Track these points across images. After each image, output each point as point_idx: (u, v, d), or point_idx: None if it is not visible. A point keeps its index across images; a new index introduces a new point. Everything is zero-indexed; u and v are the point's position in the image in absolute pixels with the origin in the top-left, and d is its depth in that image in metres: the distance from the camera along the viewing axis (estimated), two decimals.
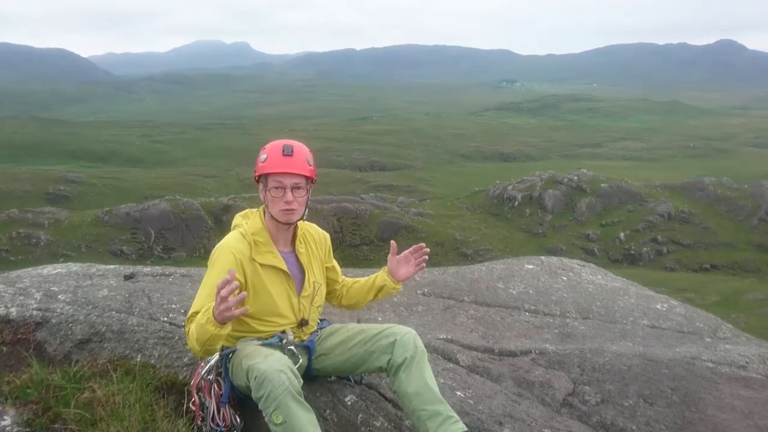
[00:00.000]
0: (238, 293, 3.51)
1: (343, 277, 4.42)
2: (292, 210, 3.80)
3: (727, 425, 4.54)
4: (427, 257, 4.22)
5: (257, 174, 3.87)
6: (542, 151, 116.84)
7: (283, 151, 3.78)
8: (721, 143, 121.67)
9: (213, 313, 3.31)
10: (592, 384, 4.99)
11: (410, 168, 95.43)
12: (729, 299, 40.20)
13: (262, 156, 3.82)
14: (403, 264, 4.18)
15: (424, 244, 4.20)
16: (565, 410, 4.69)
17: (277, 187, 3.77)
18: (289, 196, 3.76)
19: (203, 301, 3.62)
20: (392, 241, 4.23)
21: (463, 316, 6.35)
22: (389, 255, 4.20)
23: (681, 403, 4.77)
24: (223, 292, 3.24)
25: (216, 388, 3.73)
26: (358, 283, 4.35)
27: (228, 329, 3.43)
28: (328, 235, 4.31)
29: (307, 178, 3.84)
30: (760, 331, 15.80)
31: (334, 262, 4.34)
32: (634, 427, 4.50)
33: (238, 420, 3.70)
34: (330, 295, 4.36)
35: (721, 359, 5.78)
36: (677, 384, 5.01)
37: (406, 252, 4.18)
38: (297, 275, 3.99)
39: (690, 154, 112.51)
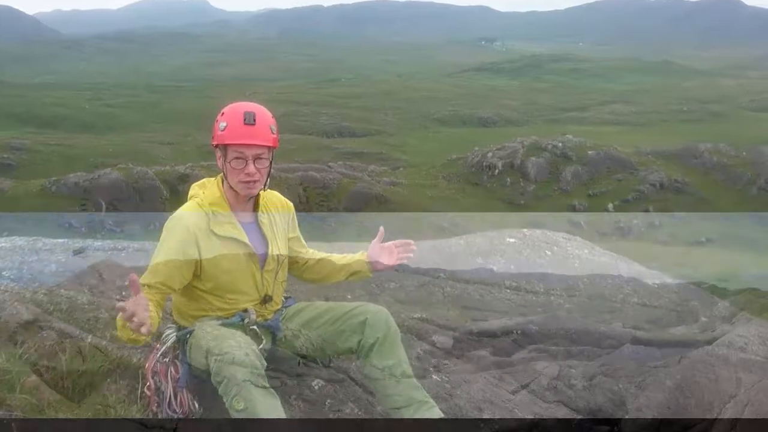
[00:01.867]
0: (191, 269, 3.56)
1: (308, 249, 4.40)
2: (254, 182, 3.76)
3: (724, 410, 4.56)
4: (411, 255, 4.24)
5: (215, 143, 3.81)
6: (524, 115, 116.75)
7: (245, 119, 3.70)
8: (717, 106, 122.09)
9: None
10: (578, 367, 5.01)
11: (382, 134, 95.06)
12: (726, 275, 40.56)
13: (221, 123, 3.74)
14: (385, 253, 4.19)
15: (412, 242, 4.22)
16: (549, 394, 4.70)
17: (237, 158, 3.71)
18: (251, 168, 3.71)
19: (154, 272, 3.61)
20: (381, 228, 4.24)
21: (440, 293, 6.37)
22: (374, 240, 4.21)
23: (674, 388, 4.77)
24: (132, 319, 3.15)
25: (173, 372, 3.70)
26: (328, 258, 4.34)
27: (147, 337, 3.37)
28: (291, 204, 4.29)
29: (269, 147, 3.80)
30: (760, 310, 15.96)
31: (298, 233, 4.32)
32: (623, 413, 4.51)
33: (197, 406, 3.68)
34: (292, 266, 4.33)
35: (717, 340, 5.81)
36: (670, 367, 5.03)
37: (391, 243, 4.19)
38: (260, 248, 3.95)
39: (683, 118, 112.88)
